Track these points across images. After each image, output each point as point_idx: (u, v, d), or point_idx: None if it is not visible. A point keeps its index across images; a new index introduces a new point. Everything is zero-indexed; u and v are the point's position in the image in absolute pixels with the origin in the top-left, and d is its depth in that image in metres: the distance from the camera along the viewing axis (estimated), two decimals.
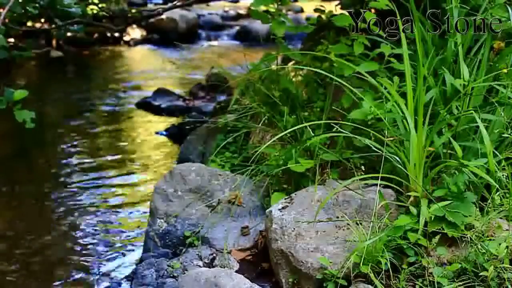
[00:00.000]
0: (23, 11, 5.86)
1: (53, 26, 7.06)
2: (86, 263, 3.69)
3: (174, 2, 8.74)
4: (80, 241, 3.98)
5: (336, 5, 4.51)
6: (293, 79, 4.14)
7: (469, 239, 2.62)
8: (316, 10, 4.34)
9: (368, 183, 2.95)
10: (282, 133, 3.10)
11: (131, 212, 4.39)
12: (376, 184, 2.75)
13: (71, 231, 4.12)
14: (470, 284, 2.50)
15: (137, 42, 10.81)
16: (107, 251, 3.83)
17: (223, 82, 6.16)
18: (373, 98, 3.17)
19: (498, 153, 2.86)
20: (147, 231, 3.46)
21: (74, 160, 5.39)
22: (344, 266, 2.60)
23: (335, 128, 3.02)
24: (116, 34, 10.48)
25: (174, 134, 5.95)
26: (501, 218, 2.72)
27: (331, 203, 2.93)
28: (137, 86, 7.99)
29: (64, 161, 5.41)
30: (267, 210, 3.04)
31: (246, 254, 3.20)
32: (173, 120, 6.44)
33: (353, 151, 3.25)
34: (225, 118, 4.26)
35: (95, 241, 3.98)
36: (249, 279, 2.70)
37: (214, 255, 3.17)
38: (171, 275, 3.09)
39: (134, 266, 3.50)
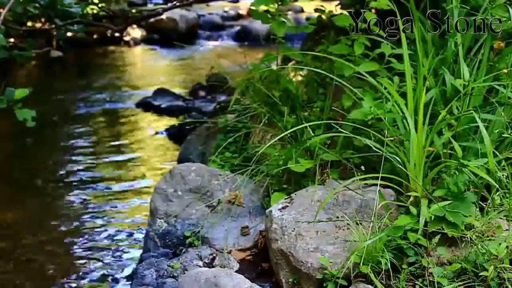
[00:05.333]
0: (23, 11, 5.86)
1: (53, 26, 7.06)
2: (86, 263, 3.69)
3: (174, 2, 8.75)
4: (80, 241, 3.98)
5: (336, 5, 4.52)
6: (293, 79, 4.14)
7: (469, 239, 2.62)
8: (316, 10, 4.34)
9: (368, 183, 2.95)
10: (283, 134, 3.10)
11: (131, 212, 4.39)
12: (376, 184, 2.75)
13: (70, 231, 4.13)
14: (470, 284, 2.50)
15: (137, 42, 10.81)
16: (107, 251, 3.83)
17: (223, 82, 6.16)
18: (373, 98, 3.17)
19: (498, 153, 2.86)
20: (147, 231, 3.46)
21: (73, 160, 5.39)
22: (344, 266, 2.60)
23: (335, 128, 3.02)
24: (116, 34, 10.48)
25: (174, 134, 5.95)
26: (501, 218, 2.72)
27: (331, 203, 2.93)
28: (137, 86, 7.99)
29: (64, 161, 5.41)
30: (267, 210, 3.04)
31: (246, 254, 3.20)
32: (173, 120, 6.44)
33: (353, 151, 3.25)
34: (225, 118, 4.26)
35: (94, 241, 3.98)
36: (249, 279, 2.70)
37: (214, 255, 3.17)
38: (171, 275, 3.09)
39: (134, 266, 3.50)
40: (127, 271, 3.54)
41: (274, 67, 4.00)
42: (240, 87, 4.12)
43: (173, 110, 6.74)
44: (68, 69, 9.12)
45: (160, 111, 6.78)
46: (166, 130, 6.13)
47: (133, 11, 10.18)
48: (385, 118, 2.99)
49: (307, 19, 4.85)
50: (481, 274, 2.49)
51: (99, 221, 4.25)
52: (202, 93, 7.20)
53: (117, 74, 8.72)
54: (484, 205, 2.74)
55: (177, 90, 7.47)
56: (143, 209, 4.33)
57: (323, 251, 2.71)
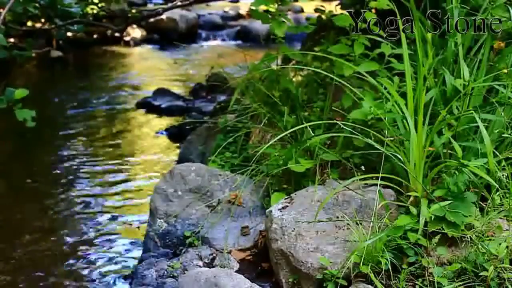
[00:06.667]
0: (23, 11, 5.86)
1: (53, 26, 7.06)
2: (86, 263, 3.69)
3: (174, 2, 8.75)
4: (80, 241, 3.98)
5: (336, 5, 4.52)
6: (293, 79, 4.13)
7: (469, 239, 2.62)
8: (316, 10, 4.34)
9: (368, 183, 2.95)
10: (283, 134, 3.10)
11: (131, 212, 4.39)
12: (376, 184, 2.75)
13: (71, 231, 4.13)
14: (470, 284, 2.50)
15: (137, 42, 10.81)
16: (107, 251, 3.83)
17: (223, 82, 6.16)
18: (373, 98, 3.17)
19: (498, 153, 2.86)
20: (147, 231, 3.46)
21: (73, 160, 5.39)
22: (344, 266, 2.60)
23: (335, 128, 3.02)
24: (116, 34, 10.48)
25: (174, 134, 5.95)
26: (501, 218, 2.72)
27: (331, 203, 2.93)
28: (137, 86, 8.00)
29: (64, 161, 5.41)
30: (267, 210, 3.04)
31: (246, 254, 3.20)
32: (173, 120, 6.44)
33: (353, 151, 3.25)
34: (225, 118, 4.26)
35: (95, 241, 3.98)
36: (249, 279, 2.70)
37: (214, 255, 3.17)
38: (171, 275, 3.09)
39: (134, 266, 3.49)
40: (127, 271, 3.54)
41: (274, 67, 4.00)
42: (240, 87, 4.12)
43: (173, 110, 6.74)
44: (68, 69, 9.12)
45: (160, 111, 6.78)
46: (166, 130, 6.13)
47: (133, 11, 10.20)
48: (385, 118, 2.99)
49: (307, 19, 4.84)
50: (481, 274, 2.49)
51: (99, 221, 4.25)
52: (202, 93, 7.20)
53: (117, 74, 8.72)
54: (484, 205, 2.74)
55: (177, 90, 7.47)
56: (143, 209, 4.33)
57: (323, 251, 2.71)
